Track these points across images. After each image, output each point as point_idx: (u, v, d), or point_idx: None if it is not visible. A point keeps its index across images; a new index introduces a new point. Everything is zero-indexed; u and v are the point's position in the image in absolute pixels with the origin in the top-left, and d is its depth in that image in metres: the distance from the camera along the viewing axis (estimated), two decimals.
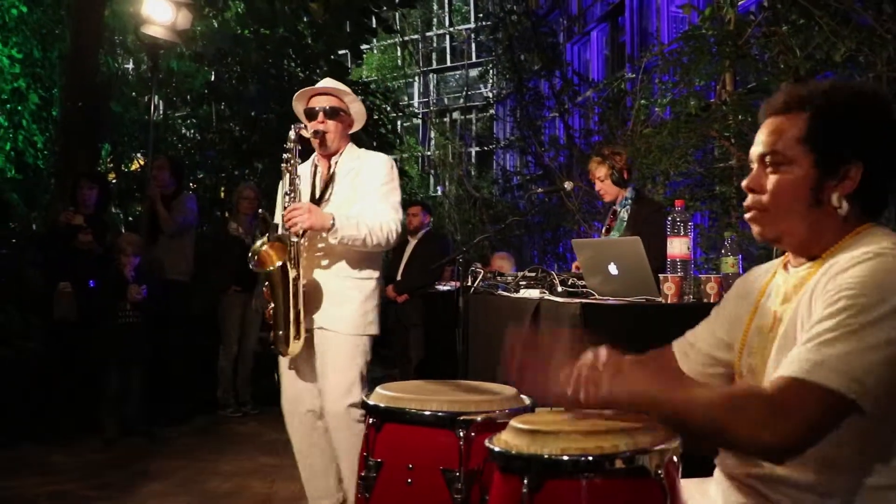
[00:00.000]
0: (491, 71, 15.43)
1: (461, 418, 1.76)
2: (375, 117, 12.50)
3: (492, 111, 19.69)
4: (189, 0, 7.19)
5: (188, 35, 8.10)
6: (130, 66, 13.90)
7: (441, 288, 4.95)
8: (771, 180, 1.45)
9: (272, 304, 3.15)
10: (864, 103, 1.43)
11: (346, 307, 3.25)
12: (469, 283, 4.39)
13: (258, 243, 3.19)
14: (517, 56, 12.02)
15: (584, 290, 3.60)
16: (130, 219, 12.03)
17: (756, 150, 1.50)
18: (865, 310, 1.25)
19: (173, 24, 7.13)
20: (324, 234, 3.15)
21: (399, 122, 16.31)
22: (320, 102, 3.33)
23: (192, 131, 13.73)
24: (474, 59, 24.36)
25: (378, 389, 1.96)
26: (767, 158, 1.46)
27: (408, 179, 16.08)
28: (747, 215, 1.51)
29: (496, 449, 1.40)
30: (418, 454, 1.78)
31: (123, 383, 5.30)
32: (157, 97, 8.62)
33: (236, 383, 6.28)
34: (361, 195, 3.28)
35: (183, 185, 6.26)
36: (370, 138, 12.98)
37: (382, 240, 3.19)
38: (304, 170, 3.41)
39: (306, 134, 3.27)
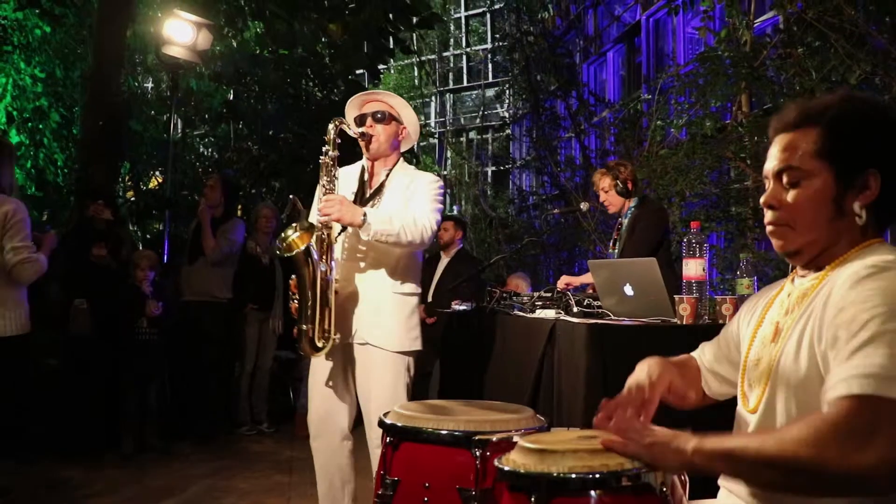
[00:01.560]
0: (507, 91, 15.52)
1: (477, 438, 1.77)
2: None
3: (508, 131, 19.75)
4: (209, 21, 7.31)
5: (208, 55, 8.22)
6: (150, 85, 14.09)
7: (457, 307, 4.93)
8: (791, 195, 1.47)
9: (297, 297, 3.05)
10: (875, 113, 1.46)
11: (390, 323, 3.18)
12: (485, 304, 4.42)
13: (288, 230, 3.08)
14: (533, 76, 12.09)
15: (600, 310, 3.61)
16: (148, 236, 12.15)
17: (771, 166, 1.52)
18: (891, 317, 1.25)
19: (193, 45, 7.25)
20: (360, 235, 3.07)
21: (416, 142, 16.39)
22: (370, 108, 3.33)
23: (210, 150, 13.88)
24: (491, 80, 24.48)
25: (395, 408, 1.98)
26: (784, 175, 1.48)
27: None
28: (769, 229, 1.52)
29: (505, 468, 1.42)
30: (435, 473, 1.80)
31: (142, 399, 5.34)
32: (176, 116, 8.73)
33: (252, 401, 6.30)
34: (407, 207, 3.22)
35: (233, 206, 6.13)
36: None
37: (417, 236, 3.09)
38: (352, 171, 3.38)
39: (349, 131, 3.24)
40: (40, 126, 10.89)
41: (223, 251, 5.85)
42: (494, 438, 1.78)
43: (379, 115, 3.30)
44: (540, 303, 3.99)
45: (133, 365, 5.37)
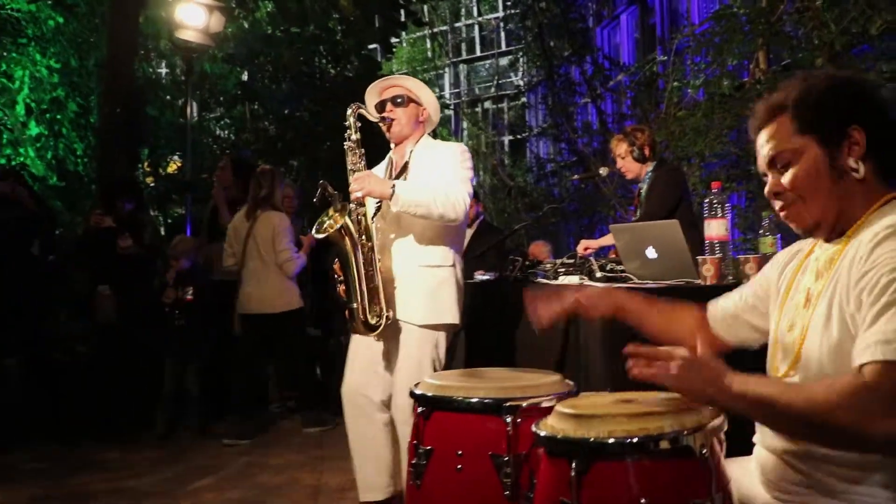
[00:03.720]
0: (521, 59, 15.39)
1: (508, 404, 1.80)
2: None
3: (523, 99, 19.61)
4: (221, 3, 7.31)
5: (220, 37, 8.23)
6: (164, 69, 14.14)
7: (479, 277, 4.95)
8: (788, 176, 1.53)
9: (342, 278, 3.08)
10: (838, 79, 1.55)
11: (416, 297, 3.20)
12: (508, 273, 4.43)
13: (323, 216, 3.13)
14: (547, 43, 11.96)
15: (623, 274, 3.62)
16: (170, 221, 12.25)
17: (762, 160, 1.59)
18: None
19: (206, 28, 7.26)
20: (391, 209, 3.11)
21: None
22: (388, 94, 3.37)
23: (227, 132, 13.94)
24: (504, 48, 24.27)
25: (425, 378, 2.01)
26: (777, 160, 1.54)
27: None
28: (783, 215, 1.58)
29: (543, 433, 1.43)
30: (467, 441, 1.82)
31: (177, 382, 5.43)
32: (191, 100, 8.77)
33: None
34: (435, 176, 3.22)
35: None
36: None
37: (449, 209, 3.09)
38: (381, 165, 3.44)
39: (367, 115, 3.28)
40: (58, 116, 10.98)
41: None
42: (525, 404, 1.80)
43: (398, 100, 3.34)
44: (563, 269, 4.00)
45: (165, 350, 5.45)
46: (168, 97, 12.74)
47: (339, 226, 3.01)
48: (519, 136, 19.85)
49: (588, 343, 2.97)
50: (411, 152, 3.38)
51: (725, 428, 1.43)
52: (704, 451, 1.35)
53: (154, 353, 5.50)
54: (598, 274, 3.66)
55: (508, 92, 21.83)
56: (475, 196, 6.82)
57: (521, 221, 14.11)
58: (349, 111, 3.19)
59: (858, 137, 1.47)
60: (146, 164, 12.22)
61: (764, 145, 1.56)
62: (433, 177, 3.22)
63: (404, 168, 3.35)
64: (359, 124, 3.22)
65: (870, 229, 1.43)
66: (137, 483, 4.31)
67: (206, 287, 5.64)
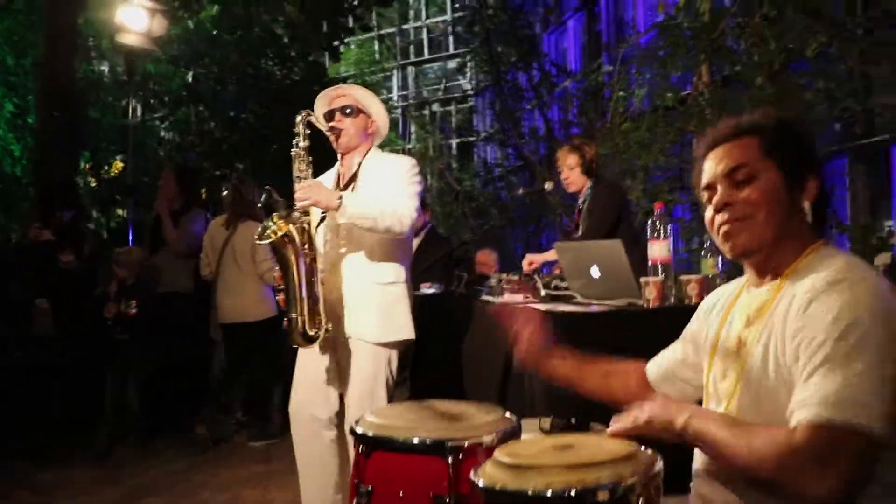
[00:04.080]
0: (469, 63, 15.41)
1: (449, 444, 1.79)
2: None
3: (471, 102, 19.66)
4: (163, 7, 7.17)
5: (164, 39, 8.07)
6: (105, 68, 13.80)
7: (425, 290, 4.95)
8: (747, 191, 1.52)
9: (283, 287, 3.03)
10: (801, 128, 1.60)
11: (369, 314, 3.19)
12: (453, 288, 4.44)
13: (268, 221, 3.04)
14: (494, 49, 12.01)
15: (567, 292, 3.65)
16: (112, 224, 11.98)
17: (720, 169, 1.56)
18: (844, 336, 1.32)
19: (148, 31, 7.11)
20: (338, 220, 3.11)
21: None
22: (338, 103, 3.34)
23: (171, 133, 13.69)
24: (452, 51, 24.29)
25: (365, 416, 1.98)
26: (737, 174, 1.53)
27: None
28: (724, 230, 1.55)
29: (481, 484, 1.43)
30: (408, 481, 1.81)
31: (118, 397, 5.31)
32: (134, 101, 8.60)
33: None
34: (383, 189, 3.21)
35: (192, 197, 6.04)
36: None
37: (396, 223, 3.08)
38: (329, 175, 3.41)
39: (316, 123, 3.23)
40: None
41: (185, 243, 5.80)
42: (466, 444, 1.79)
43: (347, 110, 3.31)
44: (507, 286, 4.02)
45: (106, 364, 5.32)
46: (110, 98, 12.45)
47: (282, 233, 2.95)
48: (467, 140, 19.89)
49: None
50: (360, 164, 3.35)
51: (662, 473, 1.44)
52: (641, 500, 1.36)
53: (93, 368, 5.36)
54: (543, 292, 3.69)
55: (456, 95, 21.87)
56: (423, 204, 6.84)
57: (468, 226, 14.20)
58: (298, 118, 3.14)
59: (812, 186, 1.53)
60: (88, 166, 11.92)
61: (723, 158, 1.56)
62: (381, 189, 3.20)
63: (353, 179, 3.33)
64: (308, 132, 3.16)
65: (803, 281, 1.45)
66: (78, 503, 4.20)
67: (149, 300, 5.52)
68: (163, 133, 13.85)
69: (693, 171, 1.70)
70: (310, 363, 3.27)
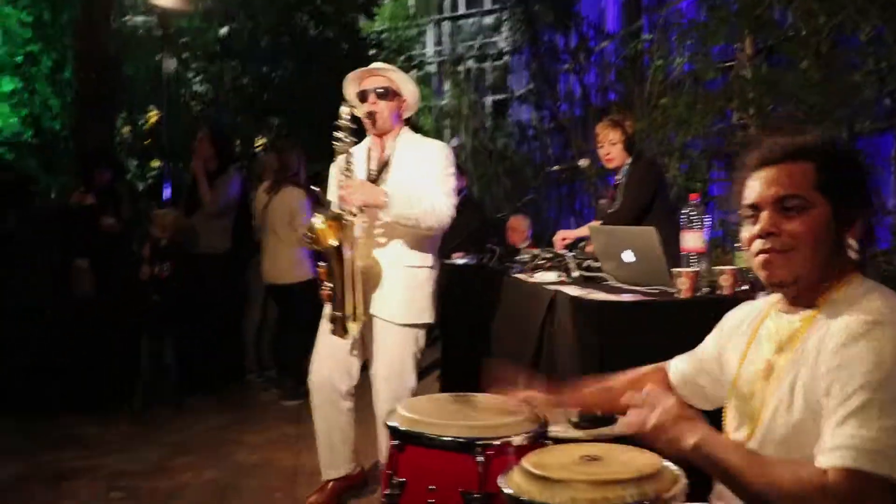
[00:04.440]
0: (505, 22, 15.15)
1: (479, 443, 1.84)
2: None
3: (507, 58, 19.40)
4: None
5: None
6: (140, 18, 13.80)
7: (457, 261, 4.98)
8: (796, 223, 1.47)
9: (329, 285, 3.18)
10: (856, 158, 1.57)
11: (395, 296, 3.29)
12: (486, 260, 4.46)
13: (314, 220, 3.18)
14: (531, 7, 11.79)
15: (600, 273, 3.66)
16: (149, 178, 12.12)
17: (769, 193, 1.50)
18: (882, 384, 1.31)
19: None
20: (378, 213, 3.17)
21: (414, 72, 16.18)
22: (372, 83, 3.35)
23: (205, 87, 13.71)
24: (488, 7, 23.89)
25: (399, 409, 2.04)
26: (787, 202, 1.48)
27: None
28: (762, 258, 1.51)
29: (508, 492, 1.48)
30: (439, 476, 1.87)
31: (154, 358, 5.45)
32: (168, 56, 8.65)
33: (259, 349, 6.39)
34: (418, 181, 3.28)
35: (227, 159, 6.09)
36: None
37: (435, 222, 3.21)
38: (359, 152, 3.41)
39: (358, 114, 3.28)
40: (33, 71, 10.73)
41: (220, 204, 5.88)
42: (496, 444, 1.85)
43: (381, 91, 3.33)
44: (542, 262, 4.04)
45: (142, 326, 5.46)
46: (144, 53, 12.48)
47: (335, 244, 3.10)
48: (502, 96, 19.67)
49: (561, 350, 3.02)
50: (394, 147, 3.39)
51: (686, 492, 1.48)
52: None
53: (131, 328, 5.49)
54: (576, 273, 3.70)
55: (492, 52, 21.57)
56: (459, 169, 6.82)
57: (502, 186, 14.13)
58: (343, 111, 3.18)
59: (859, 223, 1.49)
60: (123, 122, 12.02)
61: (774, 182, 1.50)
62: (418, 180, 3.26)
63: (387, 164, 3.37)
64: (353, 126, 3.21)
65: (840, 318, 1.42)
66: (115, 460, 4.34)
67: (184, 261, 5.62)
68: (196, 87, 13.89)
69: (735, 180, 1.62)
70: (329, 337, 3.34)
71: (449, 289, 5.53)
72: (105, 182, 5.70)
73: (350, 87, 3.42)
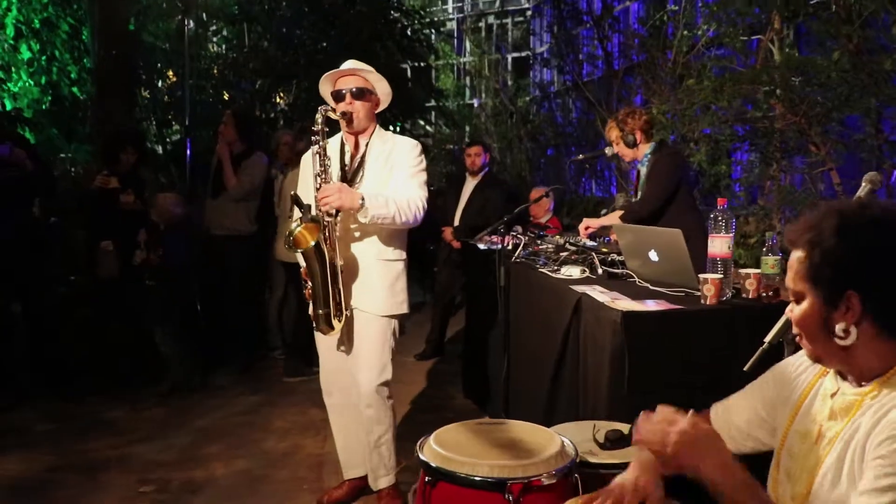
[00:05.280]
0: None
1: (509, 483, 1.86)
2: (410, 34, 12.34)
3: (528, 13, 19.10)
4: None
5: None
6: None
7: (480, 246, 4.95)
8: (797, 312, 1.55)
9: (310, 284, 3.29)
10: (850, 230, 1.46)
11: (376, 289, 3.43)
12: (509, 248, 4.45)
13: (293, 224, 3.29)
14: None
15: (624, 270, 3.65)
16: (169, 146, 12.10)
17: (786, 281, 1.59)
18: None
19: None
20: (355, 215, 3.27)
21: (433, 32, 15.97)
22: (347, 84, 3.43)
23: (224, 47, 13.61)
24: None
25: (431, 443, 2.05)
26: (791, 292, 1.57)
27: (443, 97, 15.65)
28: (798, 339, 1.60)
29: None
30: None
31: (174, 339, 5.50)
32: (187, 19, 8.59)
33: (283, 327, 6.45)
34: (392, 177, 3.42)
35: (250, 140, 6.10)
36: (404, 55, 12.79)
37: (410, 217, 3.34)
38: (332, 147, 3.47)
39: (333, 116, 3.35)
40: (51, 37, 10.67)
41: (245, 187, 5.91)
42: (525, 483, 1.87)
43: (357, 91, 3.41)
44: (566, 252, 4.03)
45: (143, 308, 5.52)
46: (164, 17, 12.36)
47: (313, 243, 3.20)
48: (523, 54, 19.43)
49: (587, 358, 3.02)
50: (367, 145, 3.49)
51: None
52: None
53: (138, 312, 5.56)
54: (600, 270, 3.69)
55: (513, 8, 21.18)
56: (486, 148, 6.77)
57: (523, 148, 14.08)
58: (318, 115, 3.28)
59: (854, 303, 1.45)
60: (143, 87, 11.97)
61: (789, 270, 1.57)
62: (391, 177, 3.42)
63: (361, 162, 3.47)
64: (326, 129, 3.31)
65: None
66: (145, 449, 4.43)
67: (194, 244, 5.70)
68: (215, 48, 13.79)
69: None
70: (332, 348, 3.54)
71: (473, 273, 5.54)
72: (130, 165, 5.70)
73: (325, 86, 3.50)
